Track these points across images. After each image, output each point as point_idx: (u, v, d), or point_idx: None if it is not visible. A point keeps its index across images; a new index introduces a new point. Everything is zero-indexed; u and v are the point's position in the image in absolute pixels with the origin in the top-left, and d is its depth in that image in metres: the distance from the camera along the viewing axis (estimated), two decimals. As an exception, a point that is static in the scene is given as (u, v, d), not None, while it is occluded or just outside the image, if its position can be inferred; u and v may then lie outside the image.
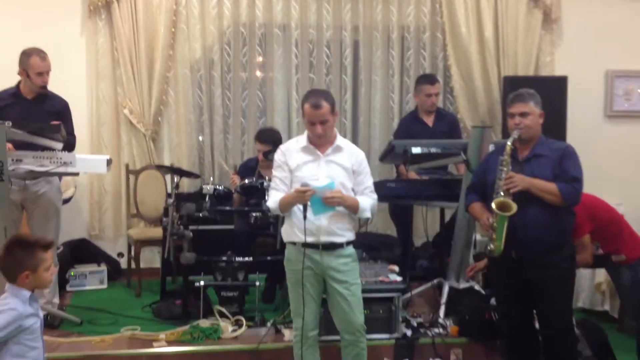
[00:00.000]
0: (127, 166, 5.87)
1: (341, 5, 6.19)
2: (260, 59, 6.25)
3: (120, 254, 6.00)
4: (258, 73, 6.29)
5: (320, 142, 3.70)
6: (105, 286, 5.65)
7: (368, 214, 3.77)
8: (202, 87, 6.13)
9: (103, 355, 4.11)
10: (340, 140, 3.77)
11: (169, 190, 5.82)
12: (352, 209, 3.63)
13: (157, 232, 5.55)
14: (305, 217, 3.51)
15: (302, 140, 3.77)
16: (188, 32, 5.99)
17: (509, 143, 3.69)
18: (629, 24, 6.51)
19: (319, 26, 6.21)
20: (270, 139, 5.18)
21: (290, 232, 3.69)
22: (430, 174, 5.38)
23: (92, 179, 5.91)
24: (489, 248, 3.70)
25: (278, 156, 3.79)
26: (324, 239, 3.60)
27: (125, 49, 5.85)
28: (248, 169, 5.34)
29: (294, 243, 3.68)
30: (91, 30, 5.91)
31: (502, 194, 3.62)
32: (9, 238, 3.00)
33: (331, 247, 3.62)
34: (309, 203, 3.51)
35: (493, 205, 3.61)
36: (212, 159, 6.18)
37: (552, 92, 5.71)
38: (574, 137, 5.80)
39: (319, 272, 3.65)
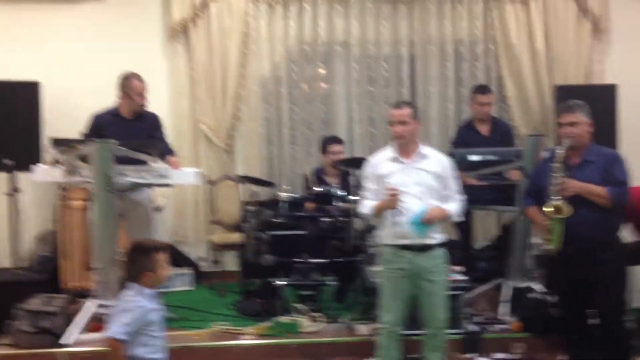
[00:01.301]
0: (206, 177, 6.38)
1: (398, 22, 6.60)
2: (323, 73, 6.69)
3: (202, 258, 6.52)
4: (321, 87, 6.72)
5: (405, 150, 4.00)
6: (191, 287, 6.15)
7: (458, 217, 4.10)
8: (271, 102, 6.62)
9: (200, 347, 4.60)
10: (424, 148, 4.05)
11: (243, 199, 6.34)
12: (445, 219, 3.98)
13: (235, 237, 6.06)
14: (395, 222, 3.85)
15: (389, 150, 4.09)
16: (257, 51, 6.50)
17: (560, 151, 4.02)
18: (678, 31, 6.71)
19: (377, 42, 6.63)
20: (341, 140, 5.73)
21: (386, 235, 4.04)
22: (488, 180, 5.70)
23: (175, 190, 6.38)
24: (546, 248, 4.04)
25: (368, 168, 4.13)
26: (417, 241, 3.92)
27: (201, 70, 6.39)
28: (316, 177, 5.79)
29: (389, 245, 4.02)
30: (171, 53, 6.47)
31: (556, 198, 3.95)
32: (129, 246, 3.47)
33: (424, 248, 3.93)
34: (409, 221, 3.82)
35: (548, 208, 3.95)
36: (281, 169, 6.65)
37: (603, 99, 5.94)
38: (626, 143, 5.98)
39: (411, 272, 3.95)
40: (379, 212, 4.00)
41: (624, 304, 4.22)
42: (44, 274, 5.79)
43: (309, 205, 5.50)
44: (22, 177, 5.88)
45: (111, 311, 3.48)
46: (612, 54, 6.72)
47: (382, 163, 4.06)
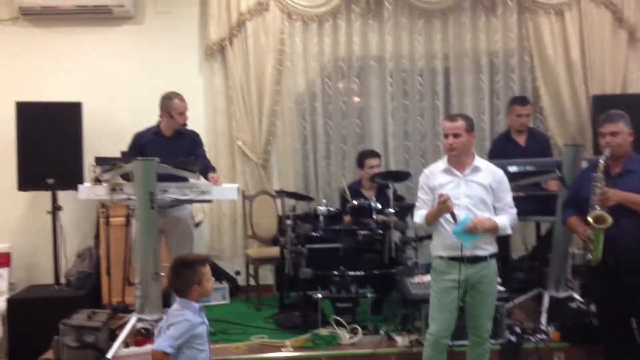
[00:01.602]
0: (242, 192, 6.46)
1: (432, 36, 6.64)
2: (357, 89, 6.75)
3: (238, 272, 6.59)
4: (356, 102, 6.78)
5: (458, 162, 4.02)
6: (227, 301, 6.20)
7: (509, 231, 4.07)
8: (306, 117, 6.69)
9: (240, 359, 4.65)
10: (478, 161, 4.05)
11: (280, 213, 6.41)
12: (492, 230, 3.96)
13: (272, 251, 6.12)
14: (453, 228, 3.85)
15: (443, 162, 4.12)
16: (292, 68, 6.57)
17: (601, 161, 4.00)
18: None
19: (411, 56, 6.66)
20: (379, 154, 5.80)
21: (438, 246, 4.05)
22: (526, 190, 5.68)
23: (212, 205, 6.47)
24: (587, 258, 4.02)
25: (422, 179, 4.16)
26: (467, 253, 3.92)
27: (237, 87, 6.49)
28: (353, 190, 5.83)
29: (441, 257, 4.03)
30: (208, 72, 6.59)
31: (597, 208, 3.93)
32: (172, 262, 3.53)
33: (475, 260, 3.94)
34: (458, 230, 3.82)
35: (590, 218, 3.92)
36: (316, 183, 6.70)
37: (640, 109, 5.93)
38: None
39: (462, 283, 3.95)
40: (431, 220, 4.01)
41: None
42: (84, 289, 5.93)
43: (347, 218, 5.53)
44: (63, 195, 6.02)
45: (158, 325, 3.52)
46: (648, 62, 6.68)
47: (436, 174, 4.08)
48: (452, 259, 3.95)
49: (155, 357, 3.23)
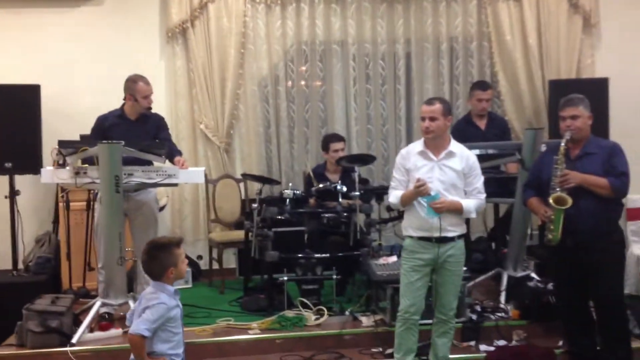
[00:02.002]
0: (205, 176, 6.42)
1: (394, 21, 6.70)
2: (320, 73, 6.77)
3: (200, 257, 6.58)
4: (319, 86, 6.80)
5: (434, 146, 4.09)
6: (190, 285, 6.17)
7: (473, 215, 4.18)
8: (269, 101, 6.70)
9: (208, 342, 4.66)
10: (453, 146, 4.12)
11: (243, 197, 6.42)
12: (457, 211, 4.05)
13: (236, 234, 6.13)
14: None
15: (420, 144, 4.18)
16: (255, 52, 6.56)
17: (562, 144, 4.12)
18: (665, 24, 6.88)
19: (373, 41, 6.72)
20: (343, 138, 5.88)
21: (409, 226, 4.15)
22: (486, 173, 5.79)
23: (174, 189, 6.42)
24: (547, 238, 4.15)
25: (398, 159, 4.23)
26: (436, 234, 4.03)
27: (200, 70, 6.44)
28: (317, 174, 5.87)
29: (411, 237, 4.13)
30: (169, 54, 6.52)
31: (558, 189, 4.06)
32: (146, 245, 3.48)
33: (443, 240, 4.03)
34: (425, 205, 3.95)
35: (551, 200, 4.06)
36: (279, 167, 6.72)
37: (595, 93, 6.03)
38: (615, 135, 6.04)
39: (432, 263, 4.08)
40: (406, 202, 4.10)
41: (622, 291, 4.35)
42: (44, 275, 5.85)
43: (313, 201, 5.57)
44: (21, 180, 5.92)
45: (130, 309, 3.52)
46: (601, 48, 6.87)
47: (411, 156, 4.15)
48: (422, 239, 4.06)
49: (132, 340, 3.22)
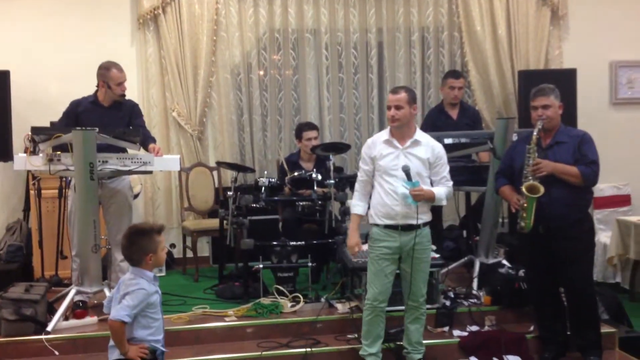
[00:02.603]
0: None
1: (366, 10, 6.75)
2: (293, 61, 6.78)
3: (173, 245, 6.57)
4: (292, 75, 6.81)
5: (400, 134, 4.14)
6: (164, 274, 6.14)
7: (444, 202, 4.27)
8: (242, 89, 6.69)
9: (183, 330, 4.67)
10: (419, 135, 4.18)
11: (217, 185, 6.41)
12: (430, 200, 4.12)
13: (210, 222, 6.13)
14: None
15: (385, 133, 4.23)
16: (228, 39, 6.54)
17: (535, 133, 4.21)
18: (630, 17, 7.07)
19: (346, 30, 6.75)
20: (316, 127, 5.89)
21: (374, 215, 4.20)
22: (458, 162, 5.89)
23: (146, 177, 6.38)
24: (519, 225, 4.24)
25: (364, 149, 4.27)
26: (402, 221, 4.10)
27: (172, 57, 6.39)
28: (291, 163, 5.89)
29: (377, 225, 4.19)
30: (140, 41, 6.45)
31: (530, 178, 4.16)
32: (127, 230, 3.49)
33: (409, 228, 4.11)
34: (406, 191, 4.01)
35: (523, 188, 4.15)
36: (252, 155, 6.72)
37: (563, 83, 6.14)
38: (583, 124, 6.21)
39: (398, 250, 4.15)
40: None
41: (592, 277, 4.48)
42: (15, 263, 5.79)
43: (287, 190, 5.59)
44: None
45: (109, 296, 3.51)
46: (569, 39, 7.02)
47: (377, 144, 4.20)
48: (388, 227, 4.13)
49: (113, 326, 3.22)
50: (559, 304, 4.50)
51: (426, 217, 4.19)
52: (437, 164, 4.18)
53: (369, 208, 4.29)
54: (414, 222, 4.09)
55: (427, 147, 4.17)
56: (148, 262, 3.33)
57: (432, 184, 4.19)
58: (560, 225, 4.18)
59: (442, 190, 4.16)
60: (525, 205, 4.17)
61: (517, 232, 4.39)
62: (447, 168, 4.24)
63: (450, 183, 4.24)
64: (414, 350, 4.31)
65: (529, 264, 4.64)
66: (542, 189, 4.11)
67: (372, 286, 4.21)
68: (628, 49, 7.08)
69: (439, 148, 4.22)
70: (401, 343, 4.41)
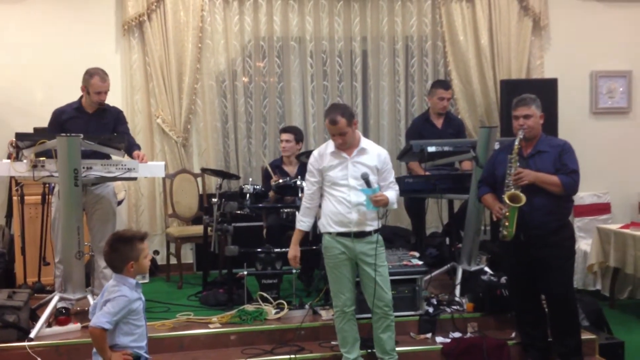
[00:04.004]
0: (162, 171, 6.40)
1: (351, 19, 6.81)
2: (278, 69, 6.82)
3: (156, 252, 6.56)
4: (277, 82, 6.85)
5: (344, 148, 4.21)
6: (147, 280, 6.14)
7: (395, 205, 4.34)
8: (227, 96, 6.72)
9: (168, 337, 4.66)
10: (364, 143, 4.25)
11: (201, 192, 6.42)
12: (386, 205, 4.18)
13: (194, 229, 6.14)
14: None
15: (331, 145, 4.28)
16: (213, 46, 6.57)
17: (516, 142, 4.27)
18: (610, 28, 7.18)
19: (331, 38, 6.81)
20: (292, 130, 5.92)
21: (326, 224, 4.26)
22: (439, 170, 5.96)
23: (130, 184, 6.37)
24: (501, 233, 4.29)
25: (311, 161, 4.33)
26: (355, 228, 4.17)
27: (157, 64, 6.40)
28: (274, 167, 5.92)
29: (329, 233, 4.25)
30: (125, 48, 6.46)
31: (512, 187, 4.21)
32: (109, 237, 3.49)
33: (361, 235, 4.18)
34: (363, 201, 4.08)
35: (505, 197, 4.19)
36: (237, 162, 6.74)
37: (544, 93, 6.21)
38: (563, 133, 6.37)
39: (352, 257, 4.22)
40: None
41: (572, 285, 4.53)
42: (-4, 270, 5.76)
43: (272, 194, 5.61)
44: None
45: (92, 302, 3.51)
46: (550, 49, 7.13)
47: (324, 157, 4.26)
48: (340, 234, 4.20)
49: (93, 333, 3.21)
50: (540, 311, 4.55)
51: (376, 223, 4.24)
52: (385, 170, 4.26)
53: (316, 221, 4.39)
54: (366, 228, 4.18)
55: (373, 154, 4.24)
56: (129, 270, 3.33)
57: (379, 190, 4.23)
58: (541, 233, 4.24)
59: (392, 194, 4.25)
60: (507, 213, 4.22)
61: (499, 240, 4.43)
62: (393, 173, 4.34)
63: (397, 187, 4.34)
64: (390, 358, 4.34)
65: (510, 271, 4.68)
66: (523, 198, 4.15)
67: (338, 294, 4.28)
68: (608, 59, 7.20)
69: (384, 154, 4.30)
70: (372, 350, 4.44)
